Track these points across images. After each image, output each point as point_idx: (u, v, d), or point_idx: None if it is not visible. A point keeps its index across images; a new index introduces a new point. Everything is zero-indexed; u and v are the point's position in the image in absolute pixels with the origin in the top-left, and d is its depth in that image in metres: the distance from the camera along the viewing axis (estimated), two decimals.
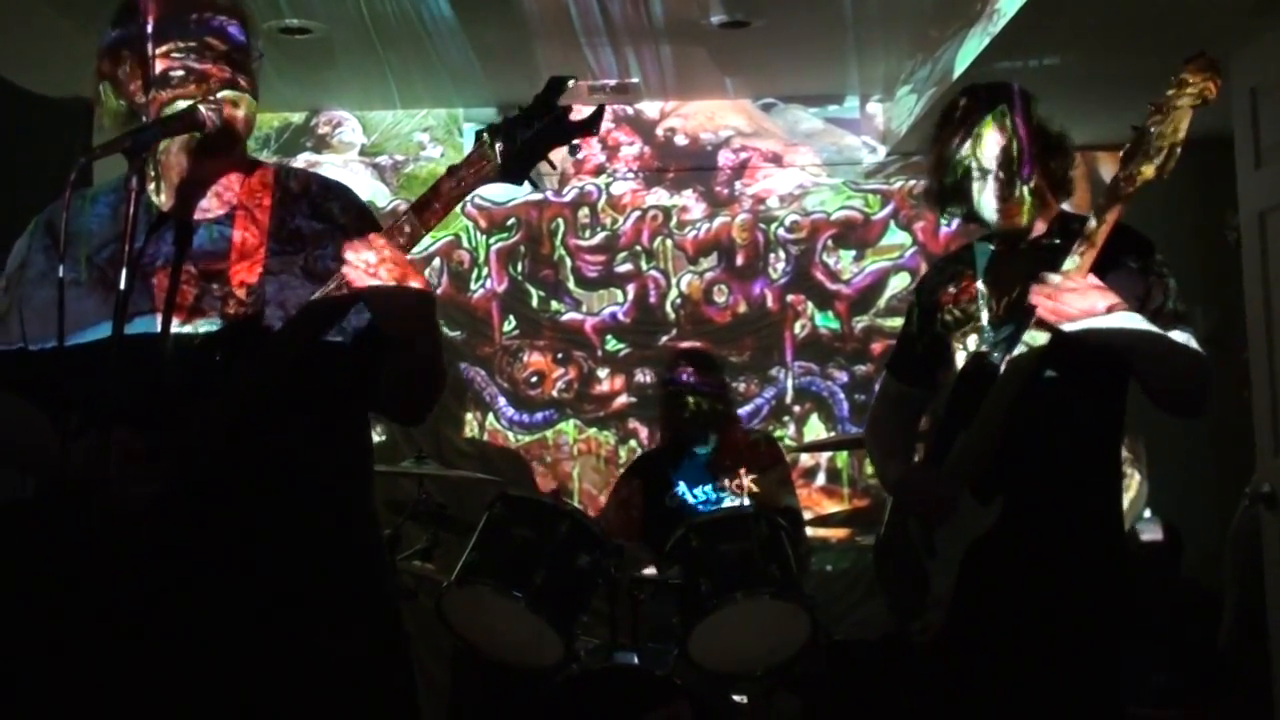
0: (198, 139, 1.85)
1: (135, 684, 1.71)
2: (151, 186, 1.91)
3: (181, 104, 1.85)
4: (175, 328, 1.85)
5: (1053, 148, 2.49)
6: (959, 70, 4.43)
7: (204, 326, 1.85)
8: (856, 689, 4.20)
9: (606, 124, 5.66)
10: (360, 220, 1.99)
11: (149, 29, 1.88)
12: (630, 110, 5.74)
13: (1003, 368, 2.40)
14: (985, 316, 2.51)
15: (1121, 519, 2.56)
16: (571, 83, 1.80)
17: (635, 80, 5.35)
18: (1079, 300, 2.23)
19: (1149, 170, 2.19)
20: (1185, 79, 2.16)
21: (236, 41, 1.91)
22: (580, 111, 1.79)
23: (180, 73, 1.86)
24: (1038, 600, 2.39)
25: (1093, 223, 2.26)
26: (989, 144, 2.45)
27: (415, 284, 1.78)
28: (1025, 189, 2.44)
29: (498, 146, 1.78)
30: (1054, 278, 2.26)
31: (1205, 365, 2.38)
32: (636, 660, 3.33)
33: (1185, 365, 2.35)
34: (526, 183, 1.82)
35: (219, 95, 1.86)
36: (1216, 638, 4.09)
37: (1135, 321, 2.27)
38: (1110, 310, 2.23)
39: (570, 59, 4.92)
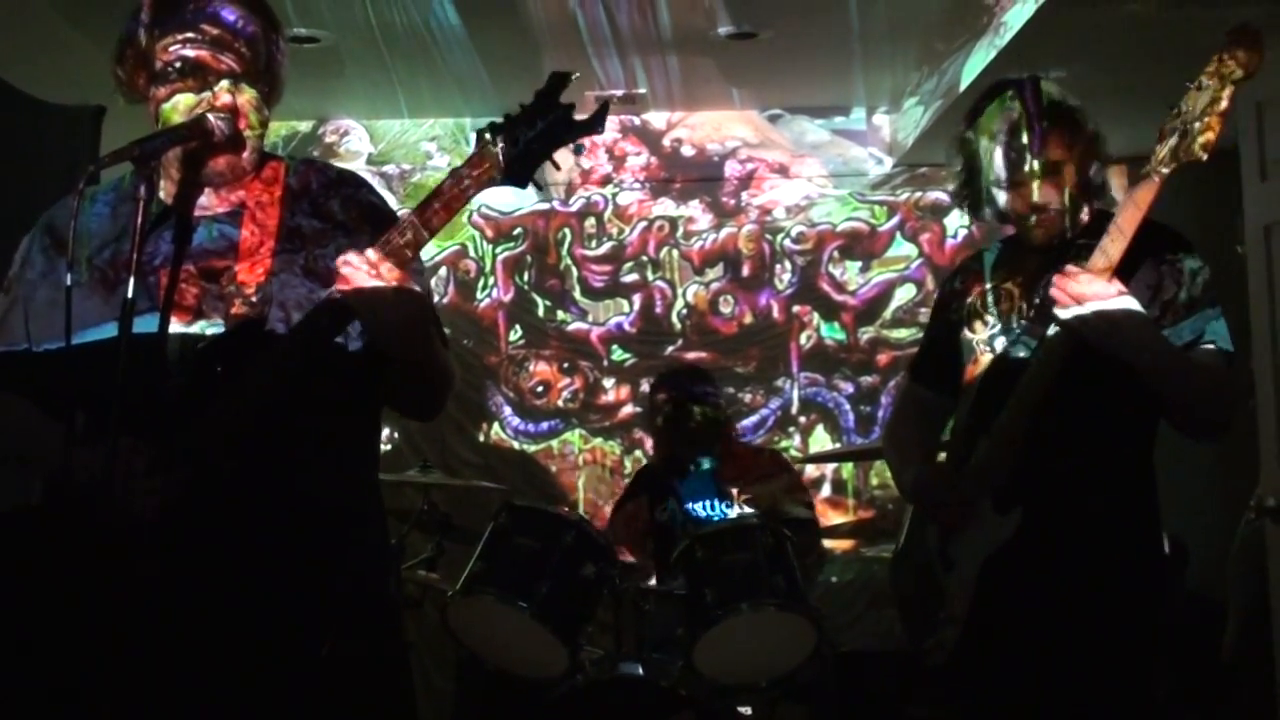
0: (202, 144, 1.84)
1: (136, 688, 1.70)
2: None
3: (179, 98, 1.84)
4: (180, 328, 1.83)
5: (1085, 146, 2.38)
6: (965, 82, 4.43)
7: (208, 328, 1.83)
8: (862, 700, 4.20)
9: (613, 134, 5.69)
10: (362, 218, 1.95)
11: (146, 21, 1.86)
12: (637, 121, 5.75)
13: (1028, 369, 2.30)
14: (1008, 317, 2.43)
15: (1158, 531, 2.39)
16: (575, 76, 1.75)
17: (642, 90, 5.36)
18: (1087, 283, 2.16)
19: (1163, 151, 2.11)
20: (1222, 56, 2.07)
21: (231, 25, 1.86)
22: (584, 110, 1.75)
23: (177, 64, 1.84)
24: (1061, 616, 2.28)
25: (1118, 216, 2.17)
26: (1020, 134, 2.34)
27: (406, 295, 1.75)
28: (1064, 186, 2.34)
29: (499, 147, 1.73)
30: (1072, 268, 2.19)
31: (1219, 377, 2.25)
32: (641, 671, 3.32)
33: (1198, 380, 2.25)
34: (530, 186, 1.76)
35: (216, 87, 1.84)
36: (1219, 650, 4.08)
37: (1136, 305, 2.18)
38: (1119, 295, 2.15)
39: (577, 69, 4.88)
